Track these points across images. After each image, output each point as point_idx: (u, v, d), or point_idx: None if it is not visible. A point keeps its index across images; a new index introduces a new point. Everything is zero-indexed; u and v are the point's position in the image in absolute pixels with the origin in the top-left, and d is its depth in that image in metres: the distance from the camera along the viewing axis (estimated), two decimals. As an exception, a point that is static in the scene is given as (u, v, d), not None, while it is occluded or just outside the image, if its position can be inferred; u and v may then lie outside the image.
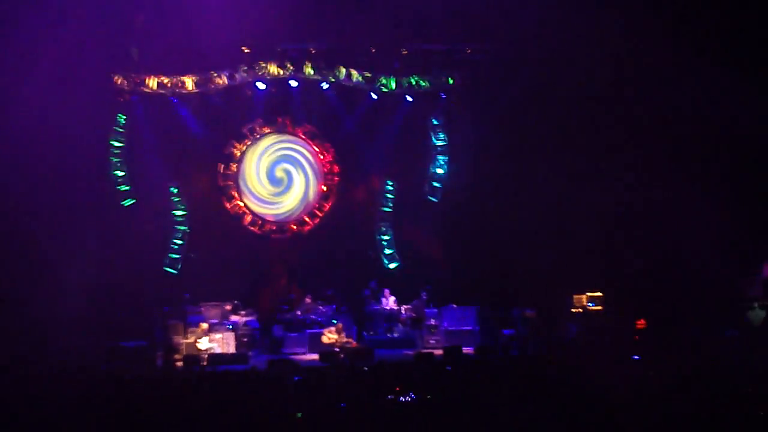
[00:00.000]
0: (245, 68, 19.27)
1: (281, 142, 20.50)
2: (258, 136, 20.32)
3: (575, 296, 17.93)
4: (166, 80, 18.88)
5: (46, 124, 16.60)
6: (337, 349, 16.99)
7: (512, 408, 11.83)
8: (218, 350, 17.17)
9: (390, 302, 19.07)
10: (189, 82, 19.02)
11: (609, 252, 17.62)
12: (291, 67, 19.42)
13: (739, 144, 16.86)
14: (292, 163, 20.51)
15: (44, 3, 14.97)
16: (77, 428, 10.44)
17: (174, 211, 19.59)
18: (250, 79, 19.42)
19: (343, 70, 19.55)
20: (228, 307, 18.42)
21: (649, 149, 17.31)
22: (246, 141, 20.20)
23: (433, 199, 20.34)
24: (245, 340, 17.72)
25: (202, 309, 18.25)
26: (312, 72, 19.48)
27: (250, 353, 17.23)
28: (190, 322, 17.64)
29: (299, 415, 11.66)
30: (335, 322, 18.00)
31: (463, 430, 11.17)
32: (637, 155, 17.36)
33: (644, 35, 16.66)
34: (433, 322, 18.24)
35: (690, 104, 16.83)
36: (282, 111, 20.26)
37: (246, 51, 19.23)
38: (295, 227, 20.39)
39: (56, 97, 16.43)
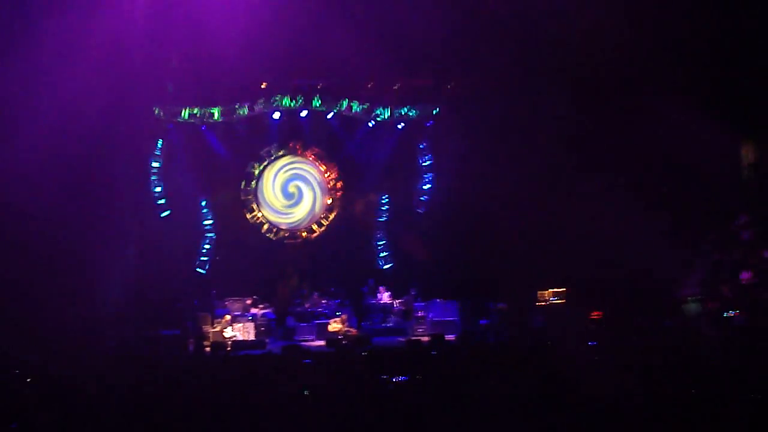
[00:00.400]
0: (263, 101, 19.36)
1: (293, 162, 20.52)
2: (274, 158, 20.36)
3: (540, 291, 17.98)
4: (196, 111, 18.98)
5: (99, 148, 16.66)
6: (341, 337, 17.17)
7: (488, 386, 12.03)
8: (240, 338, 17.27)
9: (384, 297, 19.18)
10: (216, 113, 19.13)
11: (569, 255, 17.45)
12: (301, 100, 19.51)
13: (677, 169, 16.94)
14: (302, 180, 20.55)
15: (96, 47, 14.95)
16: (123, 404, 10.67)
17: (203, 221, 19.68)
18: (267, 110, 19.50)
19: (345, 102, 19.65)
20: (248, 302, 18.54)
21: (602, 170, 17.18)
22: (263, 162, 20.26)
23: (421, 211, 20.40)
24: (263, 329, 17.82)
25: (227, 303, 18.34)
26: (319, 104, 19.60)
27: (267, 340, 17.27)
28: (216, 314, 17.75)
29: (306, 392, 12.06)
30: (339, 313, 18.20)
31: (446, 405, 10.74)
32: (594, 176, 17.15)
33: (602, 76, 16.80)
34: (420, 313, 18.37)
35: (641, 134, 16.91)
36: (294, 136, 20.33)
37: (264, 86, 19.30)
38: (304, 234, 20.37)
39: (107, 126, 16.54)
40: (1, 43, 14.32)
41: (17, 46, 14.18)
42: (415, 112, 20.12)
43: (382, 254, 20.45)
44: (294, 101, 19.53)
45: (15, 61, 14.61)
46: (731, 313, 14.97)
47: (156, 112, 18.56)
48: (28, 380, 12.63)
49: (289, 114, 19.82)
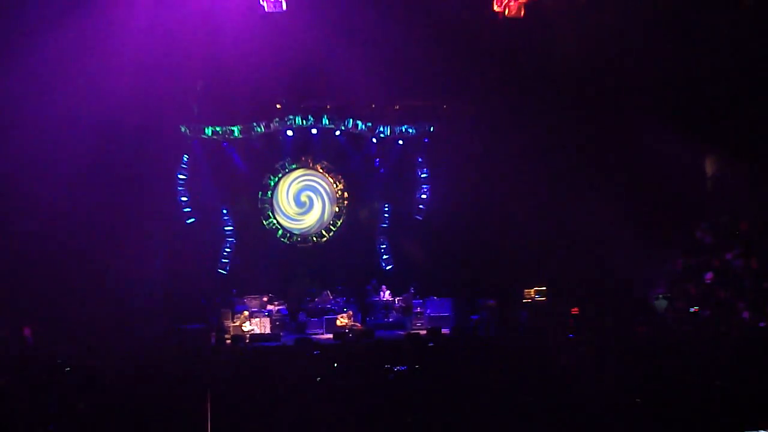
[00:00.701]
0: (278, 120, 19.36)
1: (305, 175, 20.47)
2: (287, 171, 20.32)
3: (526, 290, 17.91)
4: (218, 129, 19.02)
5: (133, 162, 16.80)
6: (347, 331, 17.12)
7: (478, 373, 12.05)
8: (257, 331, 17.30)
9: (386, 295, 19.15)
10: (236, 131, 19.16)
11: (551, 257, 17.54)
12: (312, 119, 19.52)
13: (650, 182, 16.97)
14: (313, 191, 20.48)
15: (131, 74, 15.03)
16: (154, 385, 10.75)
17: (224, 227, 19.64)
18: (281, 128, 19.49)
19: (351, 121, 19.65)
20: (265, 299, 18.54)
21: (581, 183, 17.22)
22: (278, 174, 20.23)
23: (418, 218, 20.30)
24: (277, 323, 17.82)
25: (245, 300, 18.35)
26: (328, 122, 19.61)
27: (281, 333, 17.30)
28: (236, 310, 17.81)
29: (318, 379, 11.92)
30: (345, 310, 18.21)
31: (442, 391, 11.23)
32: (573, 187, 17.26)
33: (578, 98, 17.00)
34: (418, 309, 18.37)
35: (617, 149, 17.04)
36: (305, 152, 20.28)
37: (278, 107, 19.34)
38: (315, 239, 20.34)
39: (140, 142, 16.69)
40: (48, 71, 14.30)
41: (64, 75, 14.20)
42: (413, 130, 20.08)
43: (383, 256, 20.38)
44: (305, 120, 19.55)
45: (62, 88, 14.68)
46: (695, 309, 14.98)
47: (183, 130, 18.57)
48: (67, 369, 12.78)
49: (301, 131, 19.81)
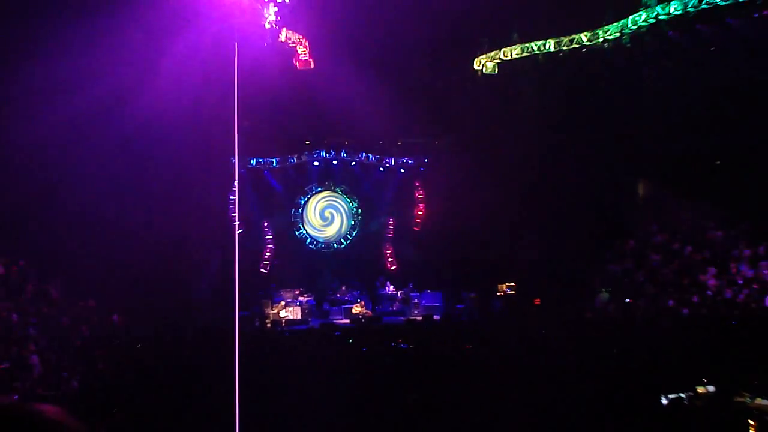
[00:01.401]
0: (306, 153, 19.60)
1: (327, 196, 20.53)
2: (314, 192, 20.41)
3: (499, 285, 17.94)
4: (260, 160, 19.28)
5: (196, 187, 16.90)
6: (360, 316, 17.24)
7: (462, 350, 12.42)
8: (291, 317, 17.29)
9: (390, 289, 19.20)
10: (274, 161, 19.44)
11: (519, 261, 17.44)
12: (333, 152, 19.75)
13: (595, 203, 16.91)
14: (333, 208, 20.55)
15: (196, 122, 15.35)
16: (209, 363, 10.80)
17: (265, 236, 19.79)
18: (309, 160, 19.71)
19: (364, 154, 19.89)
20: (296, 292, 18.49)
21: (543, 203, 17.12)
22: (307, 195, 20.32)
23: (416, 229, 20.41)
24: (306, 311, 17.79)
25: (282, 293, 18.37)
26: (346, 155, 19.84)
27: (309, 319, 17.34)
28: (274, 301, 17.83)
29: (338, 352, 12.15)
30: (359, 300, 18.25)
31: (433, 362, 11.40)
32: (537, 207, 17.19)
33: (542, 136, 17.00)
34: (416, 300, 18.35)
35: (569, 178, 16.94)
36: (328, 178, 20.37)
37: (307, 143, 19.58)
38: (335, 245, 20.41)
39: (201, 171, 16.82)
40: (121, 112, 14.34)
41: (141, 116, 14.40)
42: (411, 161, 20.22)
43: (389, 259, 20.43)
44: (328, 153, 19.73)
45: (156, 134, 14.79)
46: (629, 300, 15.06)
47: (233, 161, 18.36)
48: (138, 346, 12.92)
49: (325, 162, 19.95)
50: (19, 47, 12.74)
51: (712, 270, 13.80)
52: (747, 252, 13.63)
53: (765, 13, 12.48)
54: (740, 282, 13.10)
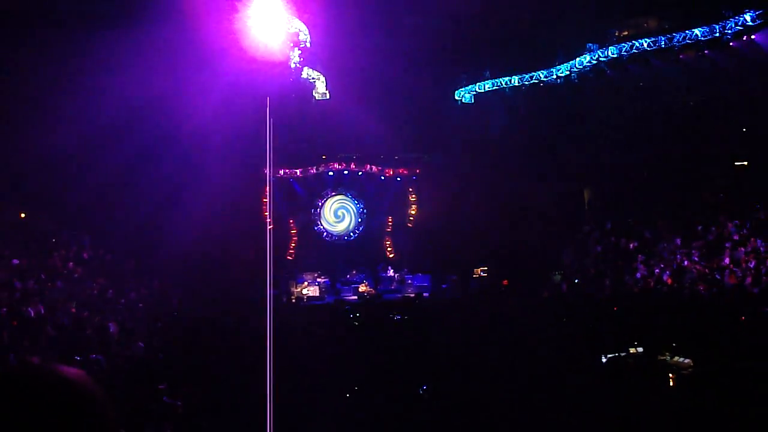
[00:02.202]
0: (323, 165, 19.42)
1: (340, 199, 20.20)
2: (329, 196, 20.12)
3: (475, 269, 17.84)
4: (287, 170, 19.08)
5: (237, 193, 16.86)
6: (366, 294, 17.10)
7: (446, 319, 12.36)
8: (311, 294, 17.19)
9: (390, 272, 18.98)
10: (297, 171, 19.20)
11: (491, 249, 17.38)
12: (344, 164, 19.59)
13: (550, 206, 16.93)
14: (345, 209, 20.25)
15: (237, 140, 15.25)
16: (252, 329, 10.76)
17: (290, 231, 19.61)
18: (325, 170, 19.50)
19: (369, 166, 19.68)
20: (315, 275, 18.32)
21: (510, 205, 17.15)
22: (324, 198, 20.06)
23: (410, 226, 20.26)
24: (323, 290, 17.63)
25: (304, 275, 18.23)
26: (354, 166, 19.65)
27: (325, 296, 17.26)
28: (298, 282, 17.75)
29: (353, 320, 12.20)
30: (365, 281, 18.11)
31: (423, 330, 11.35)
32: (505, 207, 17.24)
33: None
34: (409, 281, 18.19)
35: (533, 188, 16.88)
36: (340, 184, 20.09)
37: (323, 157, 19.42)
38: (346, 238, 20.18)
39: (240, 182, 16.74)
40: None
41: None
42: (406, 172, 20.09)
43: (388, 249, 20.26)
44: (340, 165, 19.57)
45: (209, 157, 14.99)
46: (577, 280, 15.07)
47: (265, 172, 18.33)
48: (194, 319, 12.74)
49: (338, 172, 19.79)
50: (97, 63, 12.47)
51: (641, 257, 13.79)
52: (669, 244, 13.63)
53: (681, 57, 12.75)
54: (662, 266, 13.11)
